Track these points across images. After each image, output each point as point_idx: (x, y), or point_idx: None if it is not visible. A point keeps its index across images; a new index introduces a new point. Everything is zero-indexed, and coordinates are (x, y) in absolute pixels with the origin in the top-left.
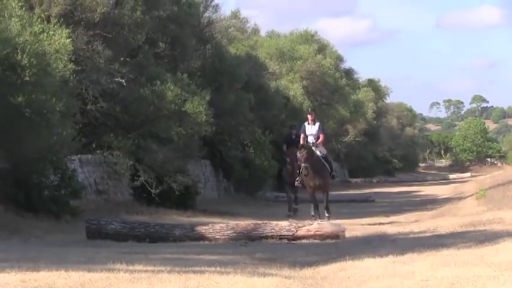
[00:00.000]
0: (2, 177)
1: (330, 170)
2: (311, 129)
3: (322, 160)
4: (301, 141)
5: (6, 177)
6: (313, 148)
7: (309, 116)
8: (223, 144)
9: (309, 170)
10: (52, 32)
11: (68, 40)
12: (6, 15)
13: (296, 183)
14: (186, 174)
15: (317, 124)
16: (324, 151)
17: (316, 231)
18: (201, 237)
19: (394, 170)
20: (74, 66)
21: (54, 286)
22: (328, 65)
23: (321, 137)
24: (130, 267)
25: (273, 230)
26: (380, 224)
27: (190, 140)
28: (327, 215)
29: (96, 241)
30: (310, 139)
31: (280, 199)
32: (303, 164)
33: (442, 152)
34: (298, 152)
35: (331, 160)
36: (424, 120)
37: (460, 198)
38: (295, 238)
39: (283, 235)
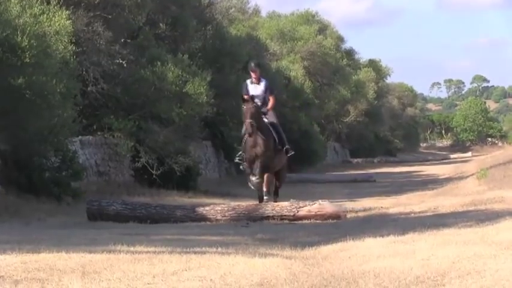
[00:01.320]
0: (3, 159)
1: (278, 142)
2: (255, 89)
3: (270, 128)
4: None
5: (7, 159)
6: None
7: (253, 74)
8: (224, 125)
9: (254, 129)
10: (52, 14)
11: (68, 21)
12: None
13: (236, 159)
14: (187, 155)
15: (263, 83)
16: (274, 119)
17: (317, 211)
18: (202, 218)
19: (395, 150)
20: (74, 48)
21: (55, 267)
22: (329, 46)
23: (271, 100)
24: (132, 248)
25: (274, 211)
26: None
27: (191, 121)
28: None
29: (97, 222)
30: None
31: None
32: (247, 120)
33: (443, 131)
34: (244, 105)
35: (281, 131)
36: (425, 100)
37: (461, 178)
38: (296, 218)
39: (284, 215)
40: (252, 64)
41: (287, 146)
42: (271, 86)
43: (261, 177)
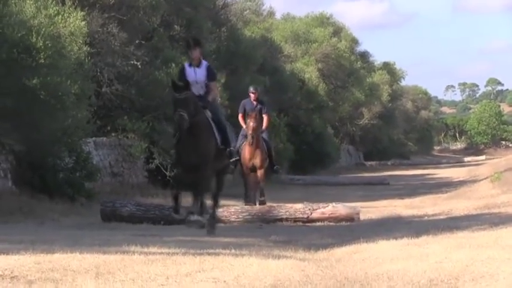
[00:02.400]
0: (17, 160)
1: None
2: (194, 73)
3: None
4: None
5: (21, 160)
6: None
7: (252, 95)
8: (238, 127)
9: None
10: (67, 15)
11: (83, 22)
12: None
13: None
14: None
15: (203, 66)
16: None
17: (331, 213)
18: (216, 220)
19: (409, 153)
20: (89, 49)
21: (69, 268)
22: (344, 48)
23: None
24: (145, 250)
25: (287, 213)
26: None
27: None
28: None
29: (110, 223)
30: (251, 121)
31: (295, 181)
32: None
33: (457, 135)
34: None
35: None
36: (439, 103)
37: (474, 181)
38: (309, 220)
39: (298, 217)
40: (191, 42)
41: (231, 148)
42: (213, 71)
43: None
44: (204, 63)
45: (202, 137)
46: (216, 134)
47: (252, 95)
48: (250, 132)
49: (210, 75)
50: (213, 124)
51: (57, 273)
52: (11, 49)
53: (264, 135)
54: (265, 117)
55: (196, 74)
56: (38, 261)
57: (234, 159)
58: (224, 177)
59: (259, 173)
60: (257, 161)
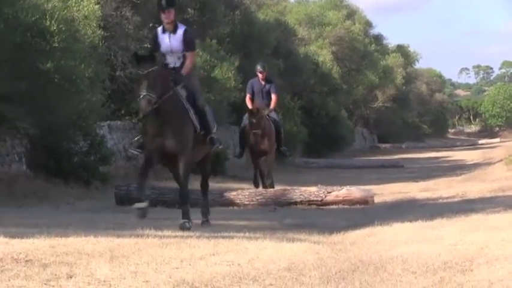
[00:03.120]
0: (32, 143)
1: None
2: (168, 40)
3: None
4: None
5: (35, 143)
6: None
7: (260, 75)
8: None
9: (261, 127)
10: None
11: (97, 6)
12: None
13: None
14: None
15: (180, 31)
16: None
17: (345, 196)
18: (230, 203)
19: (423, 136)
20: (102, 33)
21: (83, 251)
22: (357, 31)
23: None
24: (159, 233)
25: (301, 196)
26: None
27: (219, 106)
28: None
29: (125, 207)
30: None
31: (310, 165)
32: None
33: (471, 117)
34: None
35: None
36: (454, 86)
37: (489, 164)
38: (324, 204)
39: (312, 201)
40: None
41: (213, 135)
42: (190, 37)
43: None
44: (181, 28)
45: (175, 123)
46: (193, 118)
47: (259, 75)
48: (255, 130)
49: (186, 43)
50: (188, 105)
51: (72, 257)
52: (25, 33)
53: (273, 114)
54: (273, 97)
55: (171, 42)
56: (52, 244)
57: (216, 146)
58: (208, 164)
59: (269, 157)
60: (265, 146)
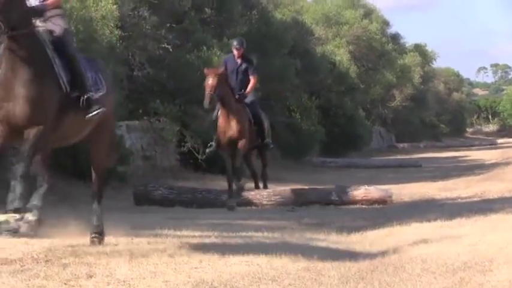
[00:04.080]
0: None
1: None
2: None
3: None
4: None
5: None
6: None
7: (236, 52)
8: (269, 110)
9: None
10: None
11: (115, 6)
12: None
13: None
14: None
15: (245, 64)
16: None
17: (364, 196)
18: (248, 203)
19: (441, 135)
20: (120, 33)
21: (102, 251)
22: (375, 30)
23: (252, 81)
24: (178, 233)
25: (320, 195)
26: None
27: None
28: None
29: (143, 207)
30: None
31: (327, 164)
32: (207, 91)
33: (490, 116)
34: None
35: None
36: (471, 85)
37: (507, 163)
38: (342, 203)
39: (330, 200)
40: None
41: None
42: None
43: None
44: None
45: (26, 74)
46: (59, 69)
47: (235, 52)
48: (207, 90)
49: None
50: (49, 49)
51: (91, 257)
52: None
53: (250, 98)
54: (252, 79)
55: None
56: (72, 244)
57: (95, 111)
58: (101, 149)
59: (240, 145)
60: (233, 132)
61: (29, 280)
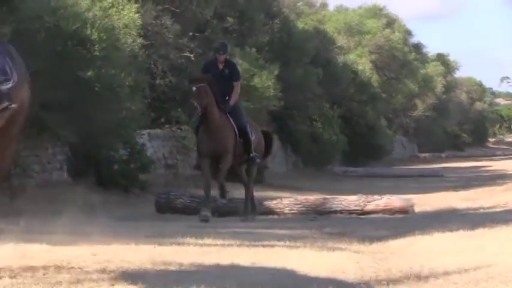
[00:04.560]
0: (73, 151)
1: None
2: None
3: (231, 121)
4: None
5: (76, 151)
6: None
7: (218, 56)
8: (291, 119)
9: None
10: (121, 7)
11: (137, 15)
12: None
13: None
14: None
15: (228, 70)
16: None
17: (385, 205)
18: (270, 212)
19: (464, 145)
20: (142, 41)
21: (125, 259)
22: (397, 40)
23: (236, 88)
24: (200, 241)
25: (341, 205)
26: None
27: (258, 115)
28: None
29: (165, 215)
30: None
31: (349, 173)
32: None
33: None
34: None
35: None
36: (494, 94)
37: None
38: (364, 213)
39: (352, 210)
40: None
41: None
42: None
43: None
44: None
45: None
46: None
47: (218, 56)
48: (197, 104)
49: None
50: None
51: (113, 265)
52: (66, 42)
53: (234, 108)
54: (236, 86)
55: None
56: (94, 252)
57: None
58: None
59: (223, 161)
60: (215, 146)
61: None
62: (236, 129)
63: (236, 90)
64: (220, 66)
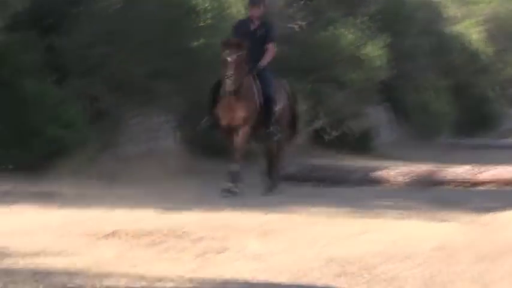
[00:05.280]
0: (182, 120)
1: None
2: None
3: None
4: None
5: (185, 120)
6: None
7: (252, 11)
8: (400, 89)
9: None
10: None
11: None
12: None
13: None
14: (364, 118)
15: (264, 29)
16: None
17: (497, 177)
18: (378, 182)
19: None
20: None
21: (234, 226)
22: (508, 11)
23: (269, 51)
24: (309, 210)
25: (451, 175)
26: None
27: (367, 85)
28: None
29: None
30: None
31: (458, 145)
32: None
33: None
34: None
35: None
36: None
37: None
38: (474, 184)
39: (462, 181)
40: None
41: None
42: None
43: None
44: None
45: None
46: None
47: (252, 12)
48: (229, 72)
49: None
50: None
51: (223, 231)
52: (175, 11)
53: (266, 74)
54: (269, 48)
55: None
56: (204, 219)
57: None
58: None
59: (241, 132)
60: (236, 118)
61: (162, 253)
62: (262, 100)
63: (270, 52)
64: (254, 26)
